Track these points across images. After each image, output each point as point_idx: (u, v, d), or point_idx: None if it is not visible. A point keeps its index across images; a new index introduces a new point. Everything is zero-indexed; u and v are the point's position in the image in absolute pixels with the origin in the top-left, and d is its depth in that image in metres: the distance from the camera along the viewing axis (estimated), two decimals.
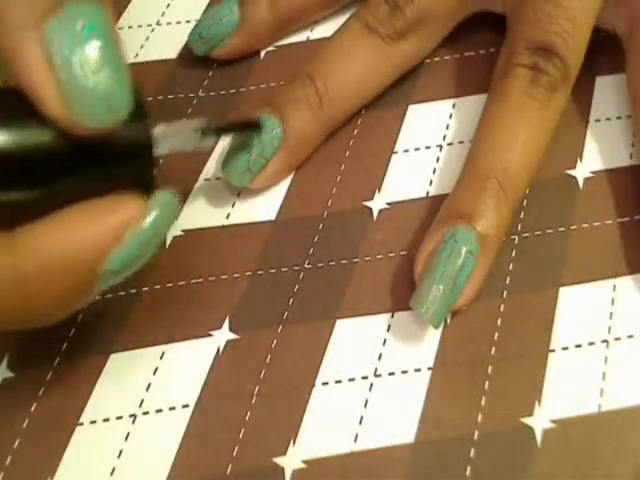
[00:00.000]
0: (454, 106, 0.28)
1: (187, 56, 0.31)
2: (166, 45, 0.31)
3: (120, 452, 0.22)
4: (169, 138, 0.21)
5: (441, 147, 0.28)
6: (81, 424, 0.23)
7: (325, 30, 0.31)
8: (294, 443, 0.22)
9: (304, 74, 0.27)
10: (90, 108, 0.18)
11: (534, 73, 0.25)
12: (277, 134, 0.26)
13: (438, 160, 0.27)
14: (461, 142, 0.28)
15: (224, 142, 0.28)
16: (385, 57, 0.27)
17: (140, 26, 0.32)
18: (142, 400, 0.23)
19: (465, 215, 0.23)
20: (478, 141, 0.25)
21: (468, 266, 0.22)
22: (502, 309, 0.24)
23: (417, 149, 0.28)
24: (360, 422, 0.22)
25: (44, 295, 0.19)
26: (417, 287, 0.23)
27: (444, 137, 0.28)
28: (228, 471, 0.22)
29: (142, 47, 0.31)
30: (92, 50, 0.18)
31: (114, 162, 0.19)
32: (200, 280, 0.25)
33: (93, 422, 0.23)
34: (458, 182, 0.25)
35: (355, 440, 0.22)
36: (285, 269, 0.25)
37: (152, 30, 0.32)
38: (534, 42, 0.25)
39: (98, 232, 0.18)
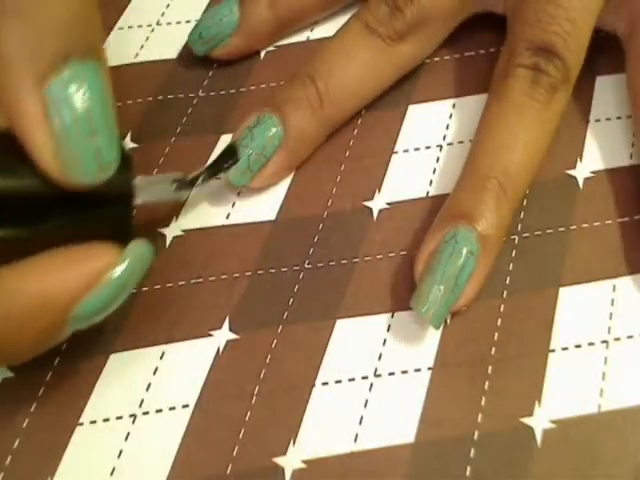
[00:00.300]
0: (454, 106, 0.28)
1: (187, 56, 0.31)
2: (166, 45, 0.31)
3: (120, 452, 0.22)
4: (145, 190, 0.22)
5: (441, 147, 0.28)
6: (81, 424, 0.23)
7: (325, 30, 0.31)
8: (294, 443, 0.22)
9: (304, 74, 0.27)
10: (81, 166, 0.19)
11: (535, 74, 0.25)
12: (277, 133, 0.26)
13: (438, 160, 0.27)
14: (461, 142, 0.28)
15: (225, 142, 0.28)
16: (385, 58, 0.27)
17: (140, 26, 0.32)
18: (142, 400, 0.23)
19: (466, 215, 0.23)
20: (478, 141, 0.25)
21: (469, 266, 0.22)
22: (502, 309, 0.24)
23: (417, 149, 0.28)
24: (360, 422, 0.22)
25: (20, 335, 0.19)
26: (417, 287, 0.23)
27: (444, 137, 0.28)
28: (228, 471, 0.22)
29: (142, 47, 0.31)
30: (88, 113, 0.19)
31: (96, 209, 0.20)
32: (200, 280, 0.25)
33: (93, 422, 0.23)
34: (458, 182, 0.25)
35: (355, 440, 0.22)
36: (285, 269, 0.25)
37: (152, 30, 0.32)
38: (535, 42, 0.25)
39: (72, 279, 0.19)
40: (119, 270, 0.20)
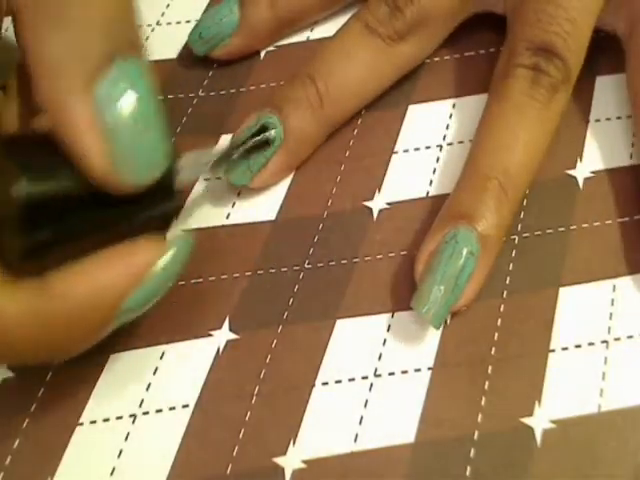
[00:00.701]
0: (454, 106, 0.28)
1: (187, 56, 0.31)
2: (166, 45, 0.31)
3: (120, 452, 0.22)
4: (183, 171, 0.22)
5: (441, 147, 0.28)
6: (81, 424, 0.23)
7: (325, 30, 0.31)
8: (294, 443, 0.22)
9: (304, 74, 0.27)
10: (132, 166, 0.19)
11: (535, 74, 0.25)
12: (277, 133, 0.26)
13: (438, 160, 0.27)
14: (461, 142, 0.28)
15: (225, 141, 0.28)
16: (385, 58, 0.27)
17: (140, 26, 0.32)
18: (142, 400, 0.23)
19: (466, 215, 0.23)
20: (479, 141, 0.25)
21: (469, 266, 0.22)
22: (502, 309, 0.24)
23: (417, 149, 0.28)
24: (360, 422, 0.22)
25: (66, 336, 0.20)
26: (418, 287, 0.23)
27: (444, 137, 0.28)
28: (228, 471, 0.22)
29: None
30: (139, 111, 0.19)
31: (139, 207, 0.21)
32: (200, 280, 0.25)
33: (93, 422, 0.23)
34: (459, 182, 0.25)
35: (355, 440, 0.22)
36: (285, 269, 0.25)
37: (152, 30, 0.32)
38: (535, 42, 0.25)
39: (120, 276, 0.20)
40: (164, 262, 0.20)
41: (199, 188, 0.27)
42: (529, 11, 0.26)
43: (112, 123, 0.19)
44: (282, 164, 0.26)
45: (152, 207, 0.21)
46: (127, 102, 0.19)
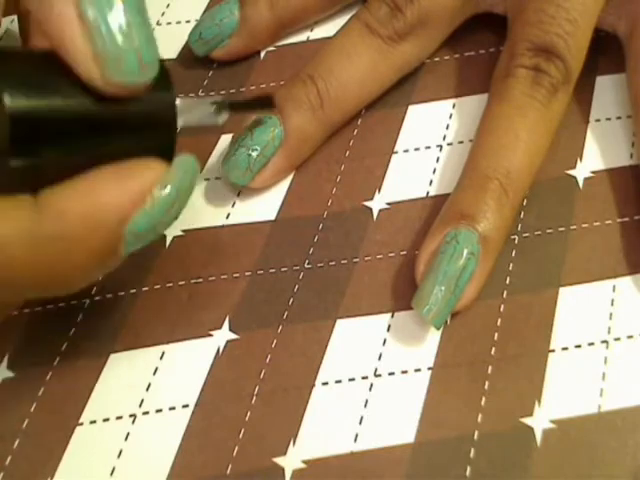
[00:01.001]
0: (454, 106, 0.28)
1: (187, 56, 0.31)
2: (166, 45, 0.31)
3: (120, 452, 0.22)
4: (185, 112, 0.21)
5: (441, 147, 0.28)
6: (81, 424, 0.23)
7: (325, 30, 0.31)
8: (294, 443, 0.22)
9: (305, 74, 0.27)
10: (122, 65, 0.18)
11: (535, 74, 0.25)
12: (278, 133, 0.26)
13: (438, 160, 0.27)
14: (461, 142, 0.28)
15: (225, 141, 0.28)
16: (385, 58, 0.27)
17: None
18: (142, 400, 0.23)
19: (467, 216, 0.23)
20: (480, 142, 0.25)
21: (470, 267, 0.22)
22: (502, 309, 0.24)
23: (417, 149, 0.28)
24: (360, 422, 0.22)
25: (66, 261, 0.18)
26: (419, 288, 0.23)
27: (444, 137, 0.28)
28: (228, 471, 0.22)
29: None
30: (123, 10, 0.18)
31: (140, 129, 0.20)
32: (200, 280, 0.25)
33: (93, 422, 0.23)
34: (459, 182, 0.25)
35: (355, 440, 0.22)
36: (285, 269, 0.25)
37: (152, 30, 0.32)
38: (535, 43, 0.25)
39: (122, 195, 0.19)
40: (170, 185, 0.19)
41: (199, 188, 0.27)
42: (530, 11, 0.26)
43: (98, 21, 0.18)
44: (283, 164, 0.26)
45: (152, 130, 0.20)
46: (112, 2, 0.18)
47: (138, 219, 0.19)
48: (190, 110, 0.22)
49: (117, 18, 0.18)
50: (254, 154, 0.26)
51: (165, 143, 0.20)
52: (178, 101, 0.21)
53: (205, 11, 0.32)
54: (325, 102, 0.26)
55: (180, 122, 0.21)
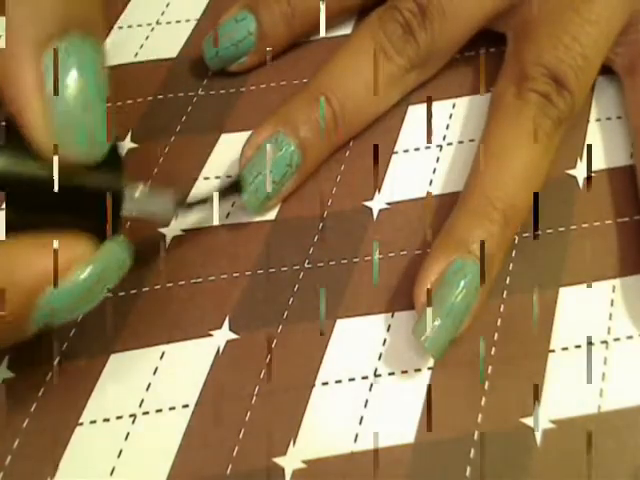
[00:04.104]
0: (454, 106, 0.28)
1: (187, 55, 0.31)
2: (166, 44, 0.31)
3: (120, 452, 0.22)
4: (139, 201, 0.22)
5: (441, 147, 0.28)
6: (81, 424, 0.23)
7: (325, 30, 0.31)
8: (294, 443, 0.22)
9: (317, 91, 0.26)
10: (73, 138, 0.19)
11: (545, 103, 0.25)
12: (295, 161, 0.26)
13: (438, 160, 0.27)
14: (461, 142, 0.28)
15: (225, 141, 0.28)
16: (396, 84, 0.27)
17: (140, 25, 0.32)
18: (142, 400, 0.23)
19: (471, 246, 0.23)
20: (487, 165, 0.24)
21: (471, 300, 0.22)
22: (502, 309, 0.24)
23: (417, 149, 0.28)
24: (360, 422, 0.22)
25: None
26: (420, 318, 0.22)
27: (444, 137, 0.28)
28: (228, 471, 0.22)
29: (142, 46, 0.31)
30: (82, 86, 0.19)
31: (83, 205, 0.20)
32: (200, 280, 0.25)
33: (93, 422, 0.23)
34: (463, 205, 0.24)
35: (355, 440, 0.22)
36: (285, 269, 0.25)
37: (152, 29, 0.32)
38: (549, 69, 0.25)
39: (41, 262, 0.19)
40: (91, 265, 0.19)
41: (199, 188, 0.27)
42: (543, 36, 0.26)
43: (54, 92, 0.18)
44: (296, 184, 0.26)
45: (95, 214, 0.20)
46: (73, 76, 0.19)
47: (52, 294, 0.19)
48: (141, 199, 0.22)
49: (77, 93, 0.19)
50: (270, 182, 0.25)
51: (105, 224, 0.20)
52: (133, 189, 0.21)
53: (205, 11, 0.32)
54: (339, 125, 0.26)
55: (128, 210, 0.21)
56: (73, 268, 0.19)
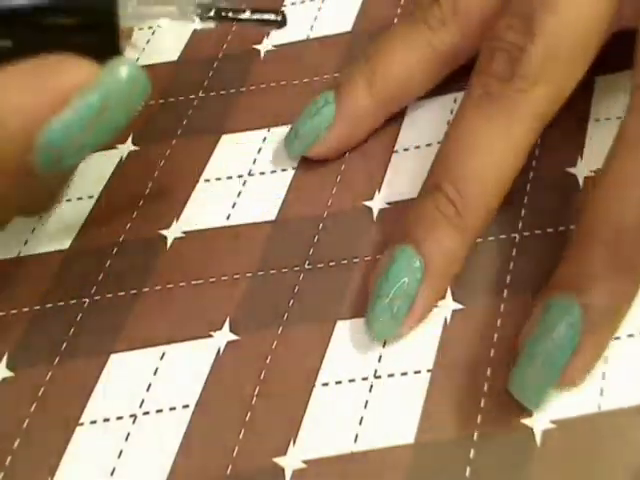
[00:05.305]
0: (455, 100, 0.28)
1: (187, 57, 0.31)
2: (167, 47, 0.31)
3: (120, 452, 0.22)
4: (145, 3, 0.20)
5: None
6: (81, 424, 0.23)
7: (326, 28, 0.31)
8: (294, 443, 0.22)
9: (437, 188, 0.23)
10: None
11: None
12: (419, 270, 0.23)
13: None
14: None
15: (225, 141, 0.28)
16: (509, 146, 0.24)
17: (141, 29, 0.32)
18: (142, 400, 0.23)
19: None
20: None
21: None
22: (502, 309, 0.24)
23: (417, 148, 0.28)
24: (360, 422, 0.22)
25: None
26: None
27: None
28: (228, 471, 0.22)
29: (143, 50, 0.31)
30: None
31: (80, 28, 0.18)
32: (200, 281, 0.25)
33: (93, 422, 0.23)
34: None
35: (355, 440, 0.22)
36: (285, 269, 0.25)
37: (153, 32, 0.32)
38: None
39: (36, 96, 0.16)
40: (95, 89, 0.17)
41: (199, 188, 0.27)
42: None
43: None
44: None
45: (93, 31, 0.18)
46: None
47: (52, 126, 0.16)
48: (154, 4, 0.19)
49: None
50: (397, 301, 0.23)
51: (109, 45, 0.18)
52: None
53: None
54: (464, 216, 0.23)
55: (141, 16, 0.19)
56: (74, 95, 0.17)
